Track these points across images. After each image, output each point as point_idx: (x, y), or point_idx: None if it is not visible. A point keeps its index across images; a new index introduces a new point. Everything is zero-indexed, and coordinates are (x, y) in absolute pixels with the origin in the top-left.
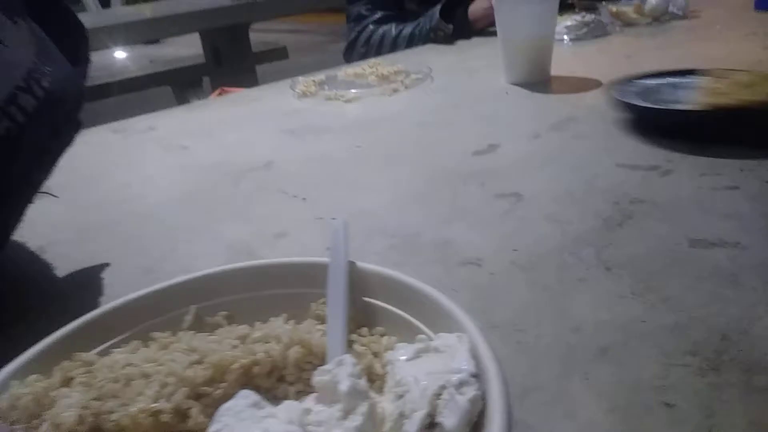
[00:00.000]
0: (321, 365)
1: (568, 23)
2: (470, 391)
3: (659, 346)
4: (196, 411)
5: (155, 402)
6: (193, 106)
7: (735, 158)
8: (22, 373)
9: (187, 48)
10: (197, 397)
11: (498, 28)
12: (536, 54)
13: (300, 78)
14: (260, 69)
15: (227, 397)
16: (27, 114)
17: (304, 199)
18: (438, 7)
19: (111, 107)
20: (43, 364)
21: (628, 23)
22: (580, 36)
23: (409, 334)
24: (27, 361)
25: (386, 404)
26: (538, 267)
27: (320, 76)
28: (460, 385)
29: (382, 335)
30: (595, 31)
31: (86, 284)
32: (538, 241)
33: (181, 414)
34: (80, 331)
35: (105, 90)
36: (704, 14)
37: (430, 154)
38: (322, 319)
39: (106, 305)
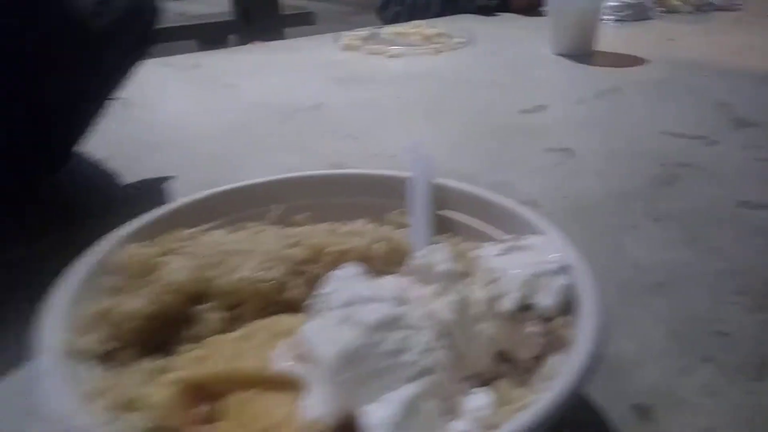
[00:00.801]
0: (405, 261)
1: (613, 3)
2: (563, 279)
3: (710, 286)
4: (294, 284)
5: (258, 272)
6: (235, 49)
7: None
8: (129, 239)
9: (215, 5)
10: (296, 273)
11: (548, 2)
12: (583, 27)
13: (344, 33)
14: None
15: (322, 277)
16: (117, 17)
17: (356, 138)
18: None
19: None
20: (146, 235)
21: (671, 10)
22: (623, 17)
23: (484, 241)
24: (129, 233)
25: (476, 291)
26: (590, 213)
27: (364, 32)
28: (554, 273)
29: (460, 242)
30: (638, 14)
31: (151, 191)
32: (589, 192)
33: (282, 286)
34: (174, 213)
35: None
36: (748, 7)
37: (477, 109)
38: (400, 226)
39: (195, 194)
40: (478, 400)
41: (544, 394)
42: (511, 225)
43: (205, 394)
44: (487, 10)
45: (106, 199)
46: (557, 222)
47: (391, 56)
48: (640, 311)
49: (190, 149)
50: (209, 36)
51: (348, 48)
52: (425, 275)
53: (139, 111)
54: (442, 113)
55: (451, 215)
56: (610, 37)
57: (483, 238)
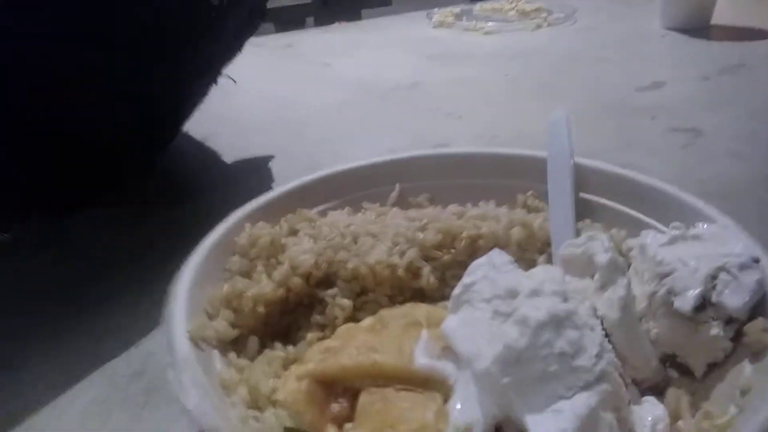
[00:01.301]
0: (543, 249)
1: None
2: (754, 274)
3: None
4: (427, 271)
5: (390, 256)
6: (325, 29)
7: None
8: (251, 219)
9: None
10: (428, 258)
11: None
12: None
13: (435, 9)
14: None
15: (455, 264)
16: None
17: (459, 116)
18: None
19: None
20: (268, 215)
21: None
22: None
23: (636, 229)
24: (254, 209)
25: (644, 285)
26: (731, 200)
27: (456, 9)
28: (742, 267)
29: (609, 229)
30: None
31: (256, 171)
32: (725, 175)
33: (413, 272)
34: (294, 193)
35: None
36: None
37: (586, 87)
38: (533, 210)
39: (317, 172)
40: (652, 411)
41: (752, 414)
42: (666, 211)
43: (339, 389)
44: None
45: (211, 179)
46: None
47: (487, 33)
48: None
49: (291, 129)
50: (287, 18)
51: (440, 25)
52: (581, 266)
53: (237, 90)
54: (549, 92)
55: (595, 199)
56: (728, 9)
57: (636, 225)
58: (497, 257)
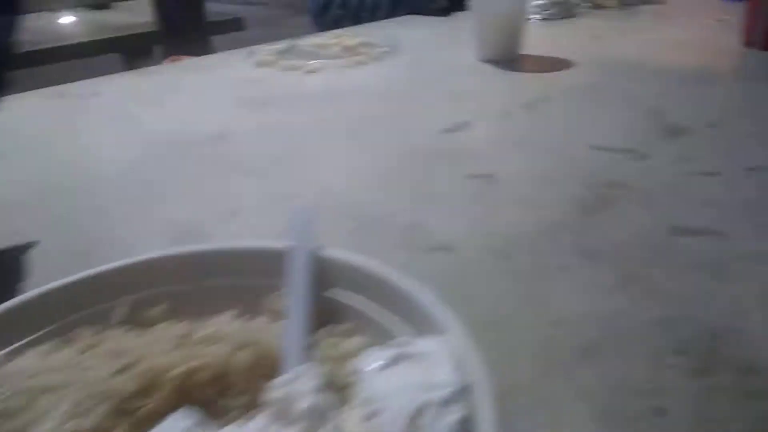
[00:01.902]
0: (276, 372)
1: (538, 2)
2: (456, 411)
3: (646, 343)
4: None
5: (68, 422)
6: (142, 71)
7: (712, 143)
8: None
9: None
10: (123, 413)
11: (472, 3)
12: (508, 30)
13: (259, 47)
14: (215, 40)
15: (160, 413)
16: None
17: (260, 175)
18: None
19: (55, 74)
20: None
21: (598, 5)
22: (549, 16)
23: (381, 334)
24: None
25: (352, 424)
26: (513, 254)
27: (281, 45)
28: (445, 403)
29: (350, 336)
30: (564, 12)
31: (5, 267)
32: (512, 225)
33: None
34: None
35: (48, 55)
36: (672, 0)
37: (397, 130)
38: (277, 316)
39: (21, 296)
40: None
41: None
42: (408, 312)
43: None
44: (443, 11)
45: None
46: (474, 270)
47: (309, 71)
48: (562, 385)
49: (67, 205)
50: (133, 48)
51: (263, 64)
52: (287, 410)
53: (6, 160)
54: (360, 138)
55: (341, 297)
56: (537, 39)
57: (374, 328)
58: (179, 423)
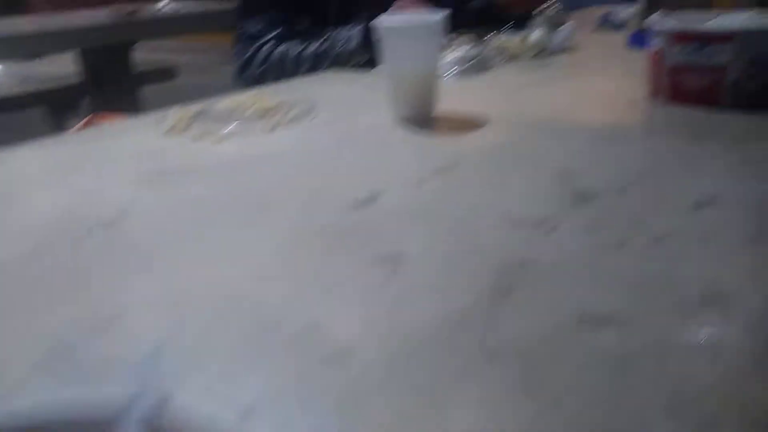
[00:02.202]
0: None
1: (453, 56)
2: None
3: None
4: None
5: None
6: (38, 144)
7: (621, 210)
8: None
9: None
10: None
11: (385, 62)
12: (422, 90)
13: (170, 111)
14: (148, 89)
15: None
16: None
17: (150, 268)
18: (360, 31)
19: None
20: None
21: (513, 56)
22: (465, 70)
23: None
24: None
25: None
26: (413, 359)
27: (194, 108)
28: None
29: None
30: (480, 66)
31: None
32: (415, 322)
33: None
34: None
35: None
36: (583, 49)
37: (306, 205)
38: None
39: None
40: None
41: None
42: None
43: None
44: (366, 65)
45: None
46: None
47: (221, 139)
48: None
49: None
50: (58, 101)
51: (172, 131)
52: None
53: None
54: (265, 216)
55: None
56: (453, 96)
57: None
58: None
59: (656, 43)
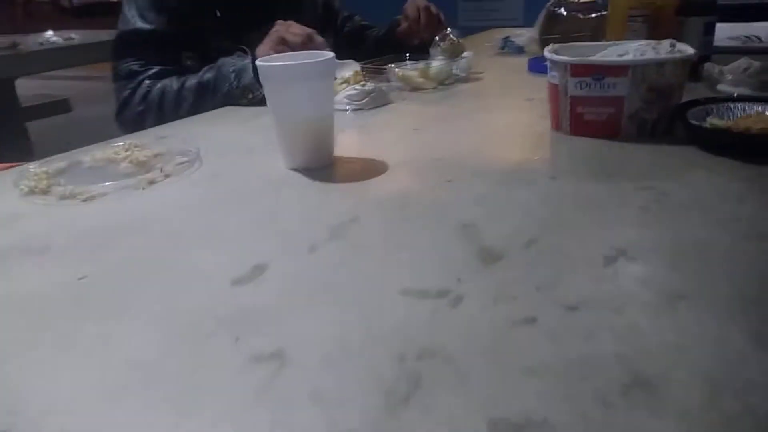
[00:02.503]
0: None
1: (349, 93)
2: None
3: None
4: None
5: None
6: None
7: (530, 272)
8: None
9: None
10: None
11: (271, 109)
12: (315, 136)
13: (31, 168)
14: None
15: None
16: None
17: None
18: (249, 64)
19: None
20: None
21: (415, 87)
22: (362, 106)
23: None
24: None
25: None
26: None
27: (60, 163)
28: None
29: None
30: (378, 100)
31: None
32: None
33: None
34: None
35: None
36: (485, 76)
37: (178, 285)
38: None
39: None
40: None
41: None
42: None
43: None
44: (261, 102)
45: None
46: None
47: (87, 199)
48: None
49: None
50: None
51: (32, 192)
52: None
53: None
54: (123, 308)
55: None
56: (351, 137)
57: None
58: None
59: (554, 76)
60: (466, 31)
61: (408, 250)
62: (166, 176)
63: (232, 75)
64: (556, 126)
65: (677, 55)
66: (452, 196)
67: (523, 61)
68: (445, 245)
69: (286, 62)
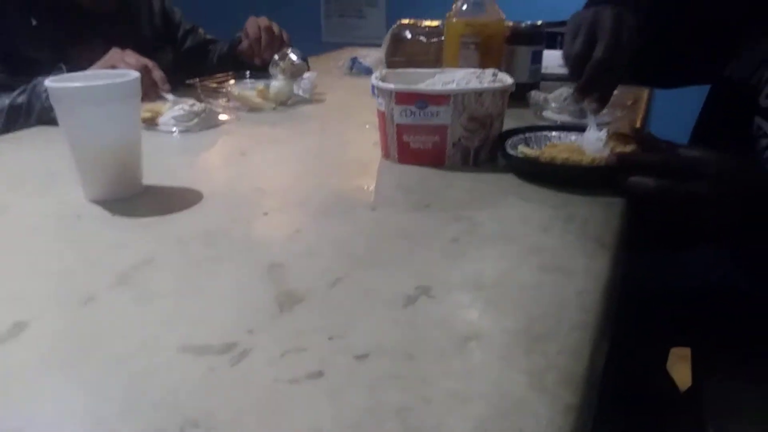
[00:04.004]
0: None
1: (176, 113)
2: None
3: None
4: None
5: None
6: None
7: (326, 316)
8: None
9: None
10: None
11: (65, 135)
12: (119, 163)
13: None
14: None
15: None
16: None
17: None
18: None
19: None
20: None
21: (253, 107)
22: (190, 127)
23: None
24: None
25: None
26: None
27: None
28: None
29: None
30: (208, 122)
31: None
32: None
33: None
34: None
35: None
36: (328, 97)
37: None
38: None
39: None
40: None
41: None
42: None
43: None
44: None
45: None
46: None
47: None
48: None
49: None
50: None
51: None
52: None
53: None
54: None
55: None
56: (171, 161)
57: None
58: None
59: (380, 103)
60: (329, 47)
61: (202, 297)
62: None
63: (44, 94)
64: (386, 154)
65: (496, 85)
66: (265, 232)
67: (369, 84)
68: (246, 289)
69: (83, 83)
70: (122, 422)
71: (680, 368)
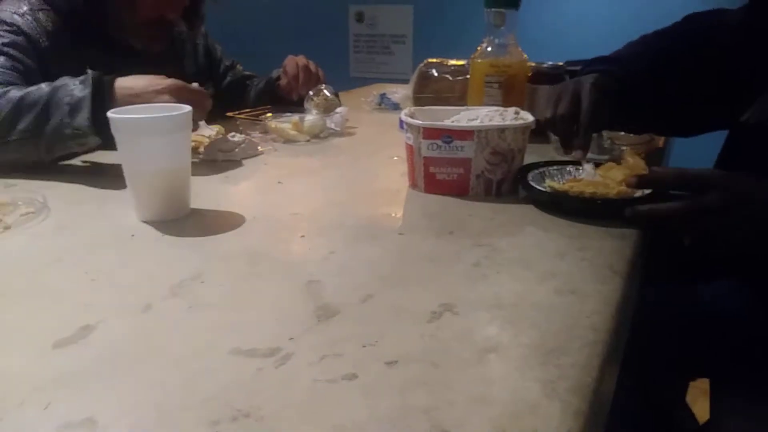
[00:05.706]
0: None
1: (219, 143)
2: None
3: None
4: None
5: None
6: None
7: (359, 327)
8: None
9: None
10: None
11: (122, 160)
12: (170, 188)
13: None
14: None
15: None
16: None
17: None
18: (87, 97)
19: None
20: None
21: (288, 140)
22: (231, 156)
23: None
24: None
25: None
26: None
27: None
28: None
29: None
30: (247, 151)
31: None
32: None
33: None
34: None
35: None
36: (359, 131)
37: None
38: None
39: None
40: None
41: None
42: None
43: None
44: (88, 147)
45: None
46: None
47: None
48: None
49: None
50: None
51: None
52: None
53: None
54: None
55: None
56: (213, 188)
57: None
58: None
59: (409, 137)
60: (356, 82)
61: (247, 308)
62: (6, 228)
63: (66, 107)
64: (413, 184)
65: (518, 122)
66: (303, 252)
67: (397, 118)
68: (286, 303)
69: (141, 115)
70: (181, 413)
71: (702, 402)
